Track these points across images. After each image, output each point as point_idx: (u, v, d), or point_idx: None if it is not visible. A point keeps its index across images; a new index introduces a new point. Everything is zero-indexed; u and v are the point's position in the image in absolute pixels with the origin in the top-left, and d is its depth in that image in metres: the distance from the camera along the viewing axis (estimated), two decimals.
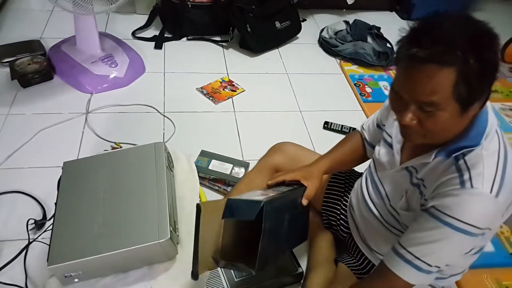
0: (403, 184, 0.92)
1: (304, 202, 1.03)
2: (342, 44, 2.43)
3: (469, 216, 0.75)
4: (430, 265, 0.80)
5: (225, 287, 1.15)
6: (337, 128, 1.89)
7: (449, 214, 0.76)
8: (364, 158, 1.19)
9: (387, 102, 1.03)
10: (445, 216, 0.77)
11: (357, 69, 2.34)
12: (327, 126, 1.91)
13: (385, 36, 2.44)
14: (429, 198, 0.81)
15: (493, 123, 0.81)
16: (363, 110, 2.04)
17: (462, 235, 0.76)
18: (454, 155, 0.80)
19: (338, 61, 2.42)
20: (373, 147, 1.11)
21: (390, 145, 0.99)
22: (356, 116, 1.99)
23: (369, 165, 1.11)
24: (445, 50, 0.68)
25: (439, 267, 0.81)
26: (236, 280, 1.18)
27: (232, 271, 1.18)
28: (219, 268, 1.19)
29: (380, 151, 1.02)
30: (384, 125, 1.05)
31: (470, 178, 0.76)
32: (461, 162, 0.79)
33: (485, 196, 0.75)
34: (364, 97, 2.12)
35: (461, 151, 0.79)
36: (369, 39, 2.43)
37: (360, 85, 2.22)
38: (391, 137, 0.98)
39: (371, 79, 2.27)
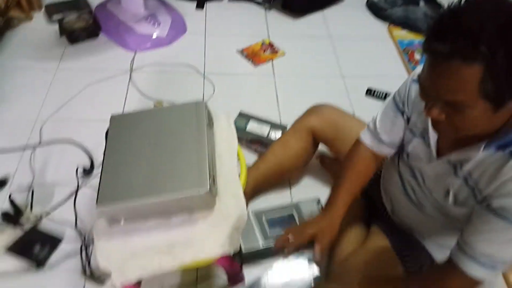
0: (446, 178, 0.85)
1: (318, 257, 0.97)
2: (392, 7, 2.32)
3: None
4: (500, 263, 0.77)
5: (258, 239, 1.20)
6: (380, 96, 1.83)
7: None
8: (375, 169, 1.09)
9: (403, 89, 0.95)
10: None
11: (407, 35, 2.24)
12: (370, 93, 1.86)
13: (438, 0, 2.30)
14: (489, 196, 0.75)
15: None
16: None
17: None
18: (509, 149, 0.72)
19: (387, 25, 2.31)
20: (395, 144, 1.01)
21: (421, 135, 0.91)
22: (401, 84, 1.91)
23: (399, 151, 1.02)
24: (468, 44, 0.61)
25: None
26: (269, 234, 1.22)
27: (265, 225, 1.24)
28: (253, 221, 1.24)
29: (411, 143, 0.95)
30: (407, 116, 0.95)
31: None
32: None
33: None
34: (412, 65, 2.03)
35: None
36: (421, 3, 2.30)
37: (409, 51, 2.12)
38: (423, 127, 0.90)
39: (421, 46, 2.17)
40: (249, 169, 1.36)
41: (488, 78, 0.62)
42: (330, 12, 2.36)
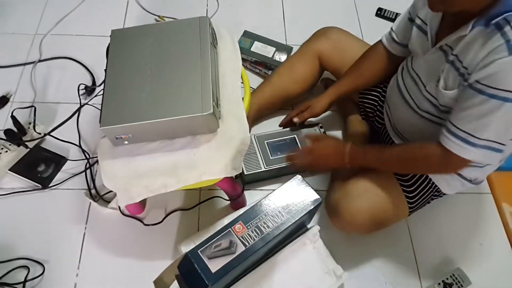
0: (439, 65, 0.89)
1: (296, 120, 1.25)
2: None
3: None
4: (480, 139, 0.81)
5: (260, 163, 1.23)
6: (391, 16, 1.75)
7: (493, 86, 0.75)
8: (387, 71, 1.16)
9: None
10: (489, 88, 0.76)
11: None
12: (380, 13, 1.77)
13: None
14: (472, 72, 0.79)
15: None
16: None
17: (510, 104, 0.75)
18: (494, 21, 0.76)
19: None
20: (405, 46, 1.07)
21: (423, 30, 0.96)
22: None
23: (406, 58, 1.08)
24: None
25: (492, 141, 0.82)
26: (271, 158, 1.25)
27: (267, 149, 1.26)
28: (255, 145, 1.26)
29: (413, 38, 1.00)
30: (417, 15, 0.99)
31: None
32: (506, 28, 0.74)
33: None
34: None
35: (503, 16, 0.75)
36: None
37: None
38: (425, 23, 0.95)
39: None
40: (254, 91, 1.35)
41: None
42: None
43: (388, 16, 1.75)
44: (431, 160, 0.91)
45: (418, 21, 0.98)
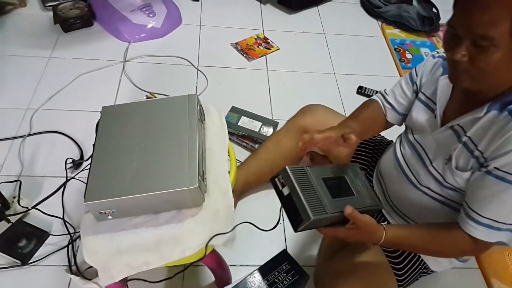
0: (450, 144, 0.89)
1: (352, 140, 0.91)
2: (386, 5, 2.32)
3: None
4: (505, 224, 0.81)
5: (325, 205, 0.82)
6: (371, 94, 1.85)
7: None
8: (382, 128, 1.14)
9: (422, 64, 1.04)
10: (511, 176, 0.76)
11: (399, 33, 2.25)
12: (361, 91, 1.87)
13: (431, 0, 2.31)
14: (489, 159, 0.80)
15: None
16: (400, 76, 1.98)
17: None
18: (508, 107, 0.78)
19: (380, 23, 2.32)
20: (399, 113, 1.09)
21: (429, 107, 0.97)
22: (392, 83, 1.89)
23: (405, 130, 1.09)
24: None
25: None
26: (333, 199, 0.86)
27: (326, 187, 0.87)
28: (312, 180, 0.86)
29: (417, 115, 1.00)
30: (420, 90, 1.02)
31: None
32: None
33: None
34: (403, 63, 2.05)
35: None
36: (415, 2, 2.30)
37: (400, 50, 2.14)
38: (430, 99, 0.97)
39: (413, 44, 2.18)
40: (241, 165, 1.37)
41: None
42: (324, 8, 2.37)
43: (368, 93, 1.86)
44: (459, 247, 0.88)
45: (422, 97, 1.00)
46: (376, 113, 1.12)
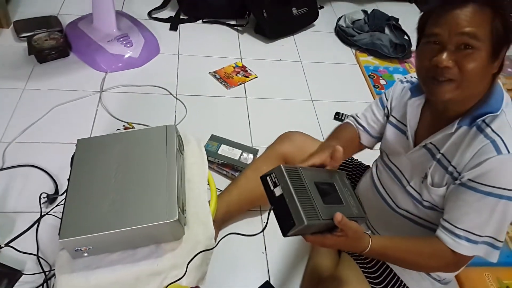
0: (425, 163, 0.92)
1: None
2: (359, 34, 2.41)
3: (508, 181, 0.78)
4: (481, 236, 0.82)
5: (317, 210, 0.76)
6: None
7: (488, 183, 0.78)
8: (356, 150, 1.15)
9: (391, 89, 1.07)
10: (484, 186, 0.79)
11: (373, 61, 2.32)
12: (338, 117, 1.91)
13: (403, 28, 2.40)
14: (462, 171, 0.82)
15: (507, 95, 0.84)
16: None
17: (506, 201, 0.78)
18: (477, 121, 0.81)
19: (354, 51, 2.40)
20: (371, 135, 1.10)
21: (400, 129, 1.00)
22: None
23: (380, 155, 1.12)
24: None
25: (491, 237, 0.83)
26: (324, 205, 0.79)
27: (318, 192, 0.81)
28: (305, 182, 0.80)
29: (389, 137, 1.03)
30: (390, 114, 1.04)
31: (505, 143, 0.78)
32: (488, 130, 0.81)
33: None
34: (377, 89, 2.11)
35: (484, 118, 0.81)
36: (387, 30, 2.40)
37: (374, 76, 2.20)
38: (401, 122, 1.00)
39: (386, 71, 2.25)
40: (221, 194, 1.36)
41: (499, 19, 0.76)
42: (300, 37, 2.44)
43: (345, 119, 1.88)
44: (440, 260, 0.88)
45: (393, 120, 1.03)
46: (352, 134, 1.13)
